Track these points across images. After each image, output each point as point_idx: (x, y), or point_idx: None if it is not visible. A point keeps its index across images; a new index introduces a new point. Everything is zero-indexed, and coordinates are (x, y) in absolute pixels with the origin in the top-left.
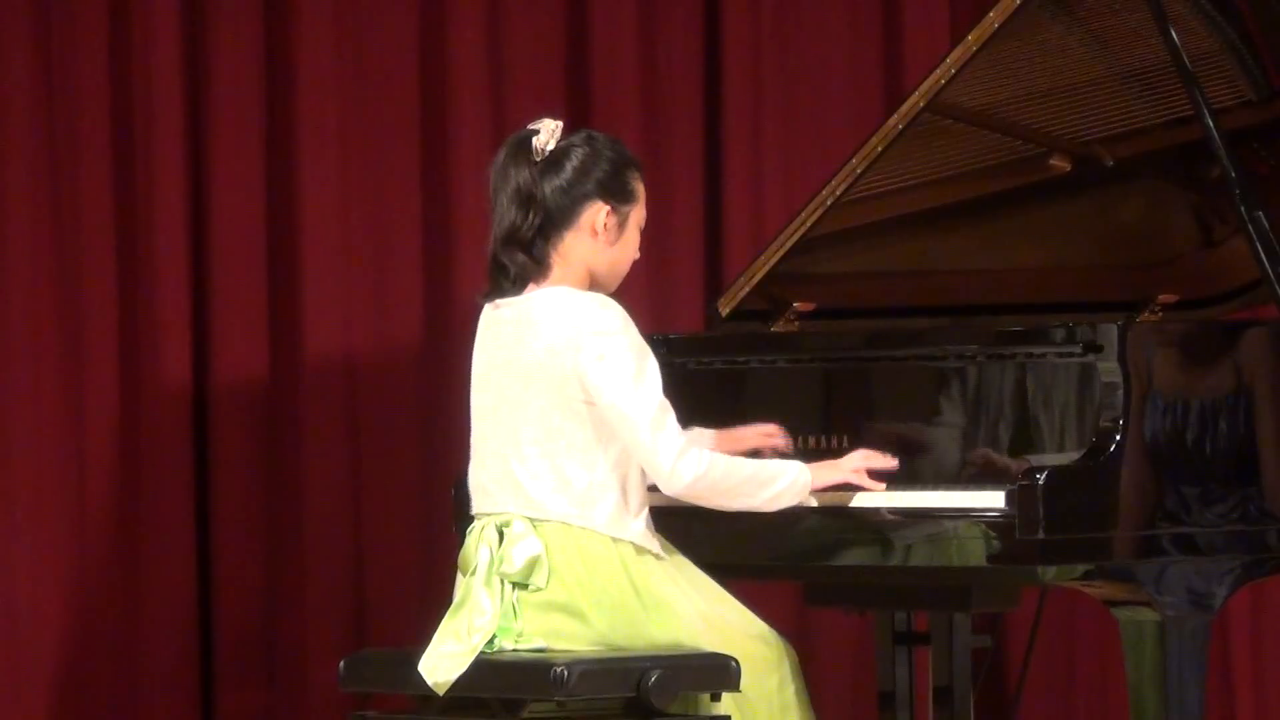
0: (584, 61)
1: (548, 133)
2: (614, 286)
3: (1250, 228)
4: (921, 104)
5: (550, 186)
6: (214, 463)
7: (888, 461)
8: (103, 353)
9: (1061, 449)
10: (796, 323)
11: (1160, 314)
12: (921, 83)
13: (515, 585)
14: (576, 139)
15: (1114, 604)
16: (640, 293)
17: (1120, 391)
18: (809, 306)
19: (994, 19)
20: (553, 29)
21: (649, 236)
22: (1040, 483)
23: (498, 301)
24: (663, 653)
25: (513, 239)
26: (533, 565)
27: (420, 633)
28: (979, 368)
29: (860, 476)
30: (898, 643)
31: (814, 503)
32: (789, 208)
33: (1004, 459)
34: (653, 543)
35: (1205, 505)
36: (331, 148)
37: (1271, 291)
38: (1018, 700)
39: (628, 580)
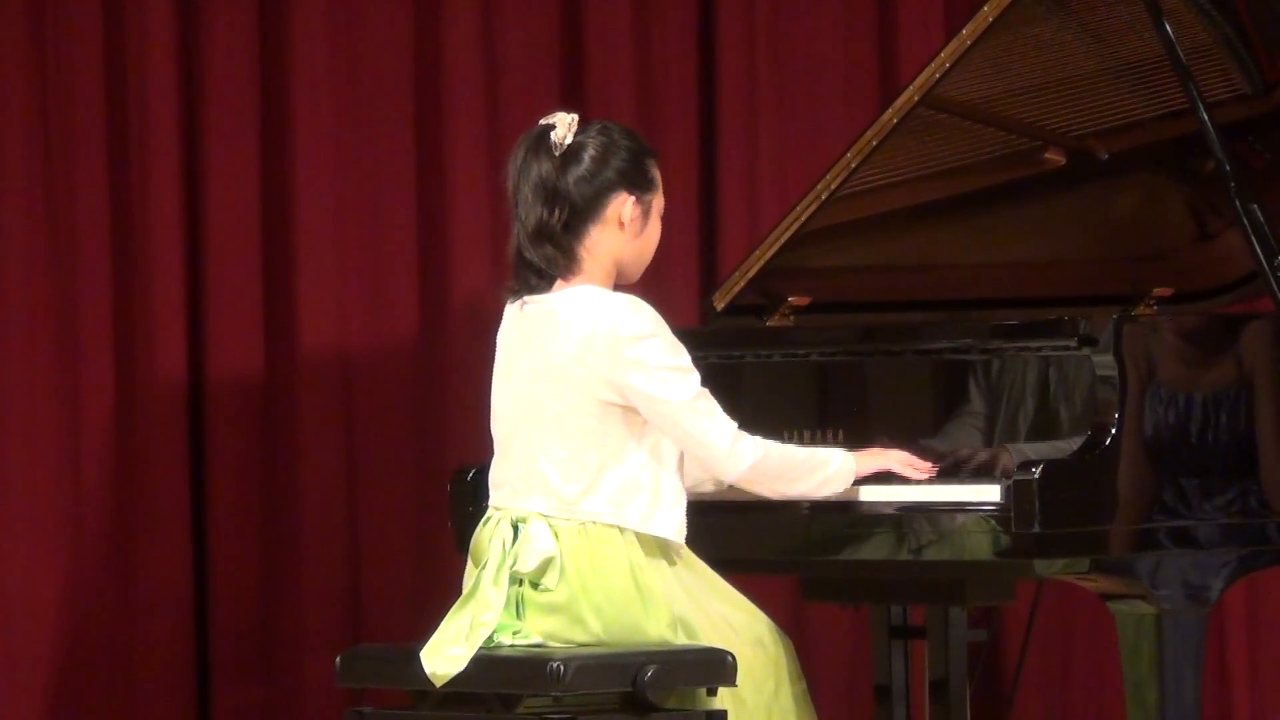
0: (579, 57)
1: (565, 126)
2: (638, 275)
3: (1245, 221)
4: (916, 98)
5: (573, 180)
6: (209, 458)
7: (929, 468)
8: (98, 349)
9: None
10: (791, 317)
11: (1156, 307)
12: (916, 77)
13: (523, 583)
14: (592, 131)
15: (1110, 597)
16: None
17: (1116, 385)
18: (804, 301)
19: (988, 13)
20: (547, 25)
21: None
22: (1036, 477)
23: (526, 299)
24: (659, 648)
25: (541, 234)
26: (546, 565)
27: (417, 628)
28: (974, 362)
29: (903, 467)
30: (893, 637)
31: (858, 492)
32: (784, 202)
33: (999, 453)
34: (681, 535)
35: (1201, 498)
36: (326, 144)
37: (1267, 284)
38: (1014, 694)
39: (633, 584)
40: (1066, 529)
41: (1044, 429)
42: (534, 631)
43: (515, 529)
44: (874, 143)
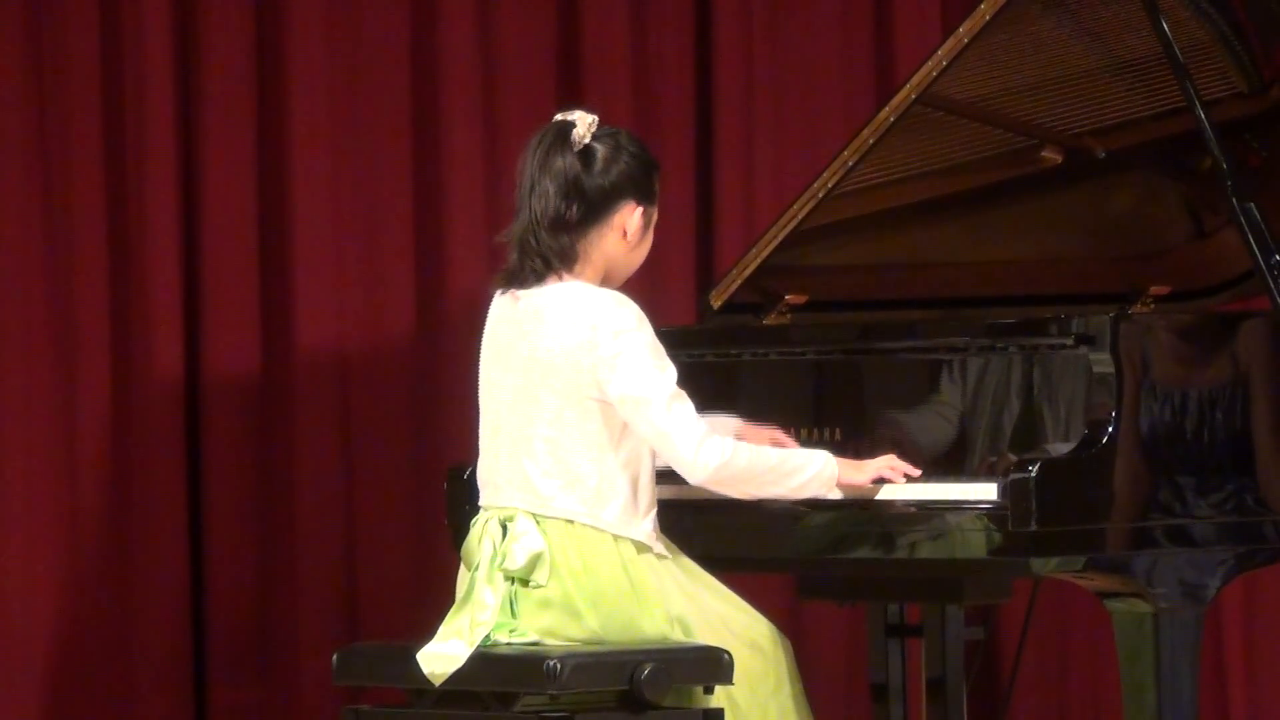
0: (575, 55)
1: (585, 126)
2: (619, 285)
3: (1242, 219)
4: (913, 96)
5: (591, 179)
6: (206, 457)
7: (913, 470)
8: (94, 347)
9: (1054, 441)
10: (788, 315)
11: (1153, 306)
12: (913, 75)
13: (515, 581)
14: (606, 135)
15: (1107, 595)
16: (632, 285)
17: (1113, 383)
18: (801, 299)
19: (985, 11)
20: (544, 22)
21: None
22: (1033, 475)
23: (515, 293)
24: (655, 646)
25: (558, 225)
26: (535, 562)
27: (413, 626)
28: (971, 360)
29: (885, 473)
30: (890, 635)
31: (837, 495)
32: (781, 200)
33: (996, 451)
34: (657, 543)
35: (1198, 496)
36: (323, 142)
37: (1264, 283)
38: (1010, 692)
39: (626, 579)
40: (1063, 527)
41: (1040, 427)
42: (530, 629)
43: (504, 528)
44: (871, 141)
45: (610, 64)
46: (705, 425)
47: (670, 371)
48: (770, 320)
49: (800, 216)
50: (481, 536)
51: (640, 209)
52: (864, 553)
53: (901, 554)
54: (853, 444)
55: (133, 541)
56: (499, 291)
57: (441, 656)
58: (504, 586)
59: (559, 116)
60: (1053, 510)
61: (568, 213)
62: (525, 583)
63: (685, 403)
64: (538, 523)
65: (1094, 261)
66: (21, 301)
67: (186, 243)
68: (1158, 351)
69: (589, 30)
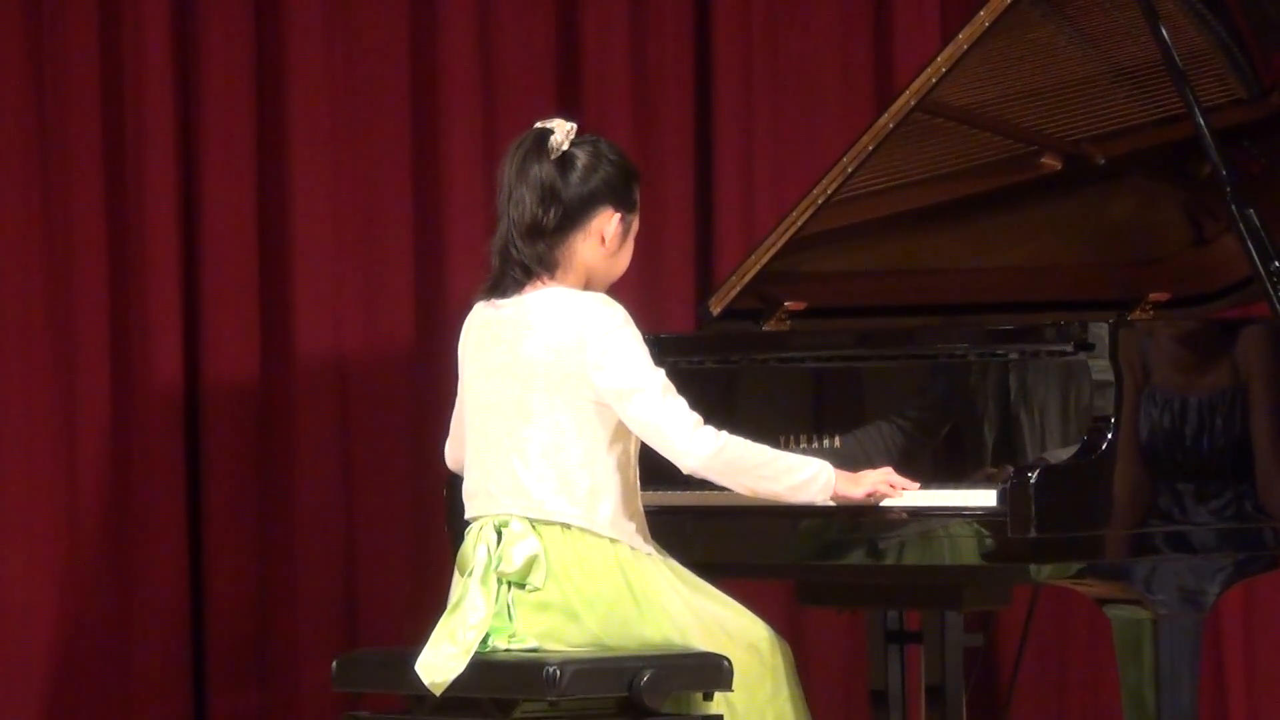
0: (575, 62)
1: (563, 133)
2: (602, 291)
3: (1241, 226)
4: (912, 103)
5: (568, 186)
6: (205, 463)
7: (909, 485)
8: (94, 353)
9: (1053, 448)
10: (788, 322)
11: (1152, 312)
12: (912, 81)
13: (512, 585)
14: (586, 143)
15: (1106, 602)
16: (631, 292)
17: (1112, 390)
18: (800, 305)
19: (984, 18)
20: (543, 29)
21: (640, 235)
22: (1032, 481)
23: (496, 301)
24: (655, 652)
25: (535, 232)
26: (531, 565)
27: (412, 632)
28: (970, 367)
29: (870, 499)
30: (889, 641)
31: (830, 504)
32: (780, 207)
33: (995, 457)
34: (647, 545)
35: (1197, 503)
36: (323, 148)
37: (1263, 289)
38: (1010, 699)
39: (623, 581)
40: (1063, 533)
41: (1040, 434)
42: (529, 634)
43: (499, 533)
44: (870, 147)
45: (610, 71)
46: (698, 415)
47: (659, 369)
48: (770, 327)
49: (799, 223)
50: (476, 543)
51: (619, 216)
52: (863, 559)
53: (901, 560)
54: (851, 450)
55: (132, 548)
56: (479, 301)
57: (438, 665)
58: (499, 591)
59: (538, 124)
60: (1052, 517)
61: (544, 219)
62: (522, 586)
63: (675, 395)
64: (533, 526)
65: (1093, 268)
66: (21, 308)
67: (186, 249)
68: (1157, 358)
69: (588, 38)
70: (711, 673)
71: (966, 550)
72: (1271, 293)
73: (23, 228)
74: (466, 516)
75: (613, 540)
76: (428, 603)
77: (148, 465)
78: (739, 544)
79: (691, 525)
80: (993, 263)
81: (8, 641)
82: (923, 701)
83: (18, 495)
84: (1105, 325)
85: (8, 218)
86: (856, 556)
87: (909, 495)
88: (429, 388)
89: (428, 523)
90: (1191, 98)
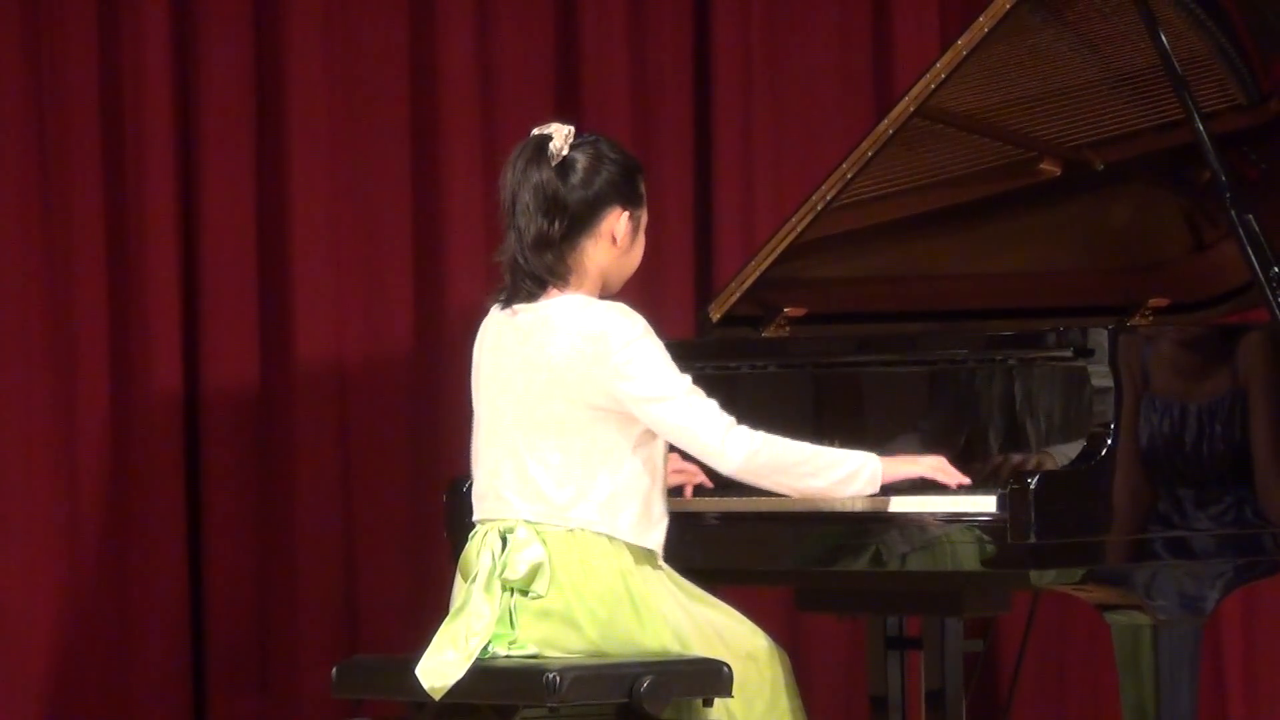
0: (574, 68)
1: (561, 137)
2: (620, 288)
3: (1241, 231)
4: (912, 109)
5: (571, 191)
6: (205, 470)
7: (962, 478)
8: (94, 358)
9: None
10: (787, 328)
11: (1151, 318)
12: (911, 87)
13: (514, 591)
14: (586, 144)
15: (1106, 608)
16: (631, 298)
17: (1112, 395)
18: (800, 312)
19: (984, 23)
20: (543, 36)
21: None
22: (1032, 487)
23: (515, 308)
24: (655, 658)
25: (541, 243)
26: (535, 572)
27: (412, 639)
28: (970, 373)
29: (937, 473)
30: (889, 647)
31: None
32: (780, 213)
33: (995, 463)
34: (660, 550)
35: (1197, 509)
36: (322, 155)
37: (1262, 295)
38: (1010, 705)
39: (624, 589)
40: (1062, 539)
41: (1040, 440)
42: (528, 640)
43: (504, 539)
44: (870, 153)
45: (609, 78)
46: (731, 417)
47: (685, 375)
48: (769, 333)
49: (799, 229)
50: (480, 549)
51: (627, 214)
52: (862, 565)
53: (900, 566)
54: None
55: (132, 553)
56: (494, 307)
57: (439, 670)
58: (502, 597)
59: (535, 131)
60: (1052, 522)
61: (550, 229)
62: (524, 593)
63: (703, 397)
64: (539, 533)
65: (1093, 274)
66: (21, 313)
67: (186, 255)
68: (1157, 364)
69: (588, 44)
70: (711, 679)
71: (966, 556)
72: (1271, 298)
73: (23, 234)
74: (474, 518)
75: (613, 543)
76: (427, 609)
77: (148, 471)
78: (738, 550)
79: (691, 532)
80: (992, 268)
81: (8, 646)
82: (923, 707)
83: (18, 500)
84: (1105, 331)
85: (8, 223)
86: (855, 562)
87: (909, 500)
88: (428, 394)
89: (427, 529)
90: (1191, 103)
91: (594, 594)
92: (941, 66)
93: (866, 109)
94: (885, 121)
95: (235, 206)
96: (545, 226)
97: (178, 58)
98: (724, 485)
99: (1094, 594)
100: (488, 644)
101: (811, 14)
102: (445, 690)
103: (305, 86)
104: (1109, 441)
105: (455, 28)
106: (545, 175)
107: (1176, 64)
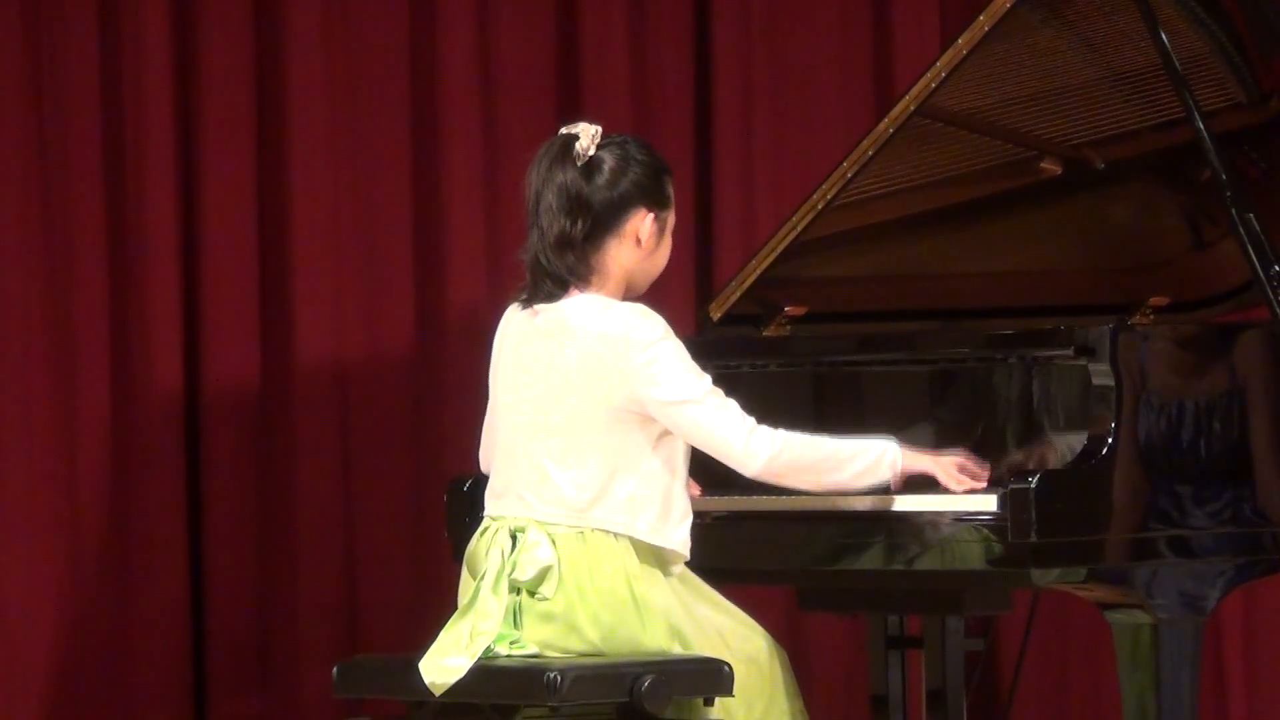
0: (574, 68)
1: (588, 137)
2: (645, 289)
3: (1241, 230)
4: (912, 108)
5: (596, 191)
6: (206, 469)
7: (982, 472)
8: (94, 359)
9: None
10: (788, 327)
11: (1152, 316)
12: (912, 86)
13: (521, 590)
14: (613, 144)
15: (1107, 607)
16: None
17: (1112, 394)
18: (800, 311)
19: (984, 22)
20: (543, 34)
21: None
22: (1032, 486)
23: (536, 307)
24: (655, 658)
25: (564, 243)
26: (544, 575)
27: (413, 638)
28: (971, 371)
29: (951, 475)
30: (890, 646)
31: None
32: (780, 212)
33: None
34: (686, 549)
35: (1198, 507)
36: (322, 153)
37: (1263, 293)
38: (1010, 703)
39: (629, 593)
40: (1063, 538)
41: (1040, 438)
42: (530, 641)
43: (513, 538)
44: (870, 152)
45: (609, 75)
46: (752, 419)
47: (705, 375)
48: (770, 332)
49: (800, 228)
50: (490, 546)
51: (651, 215)
52: (864, 564)
53: (901, 565)
54: None
55: (133, 553)
56: (515, 305)
57: (443, 667)
58: (509, 597)
59: (563, 130)
60: (1052, 521)
61: (573, 229)
62: (532, 594)
63: (724, 399)
64: (549, 535)
65: (1093, 272)
66: (21, 311)
67: (186, 256)
68: (1157, 362)
69: (588, 42)
70: (712, 678)
71: (967, 555)
72: (1271, 297)
73: (23, 232)
74: (486, 513)
75: (625, 550)
76: (428, 608)
77: (148, 471)
78: (741, 550)
79: (694, 531)
80: (993, 267)
81: (8, 646)
82: (924, 706)
83: (18, 500)
84: (1106, 329)
85: (8, 222)
86: (857, 561)
87: (911, 499)
88: (429, 393)
89: (428, 529)
90: (1191, 102)
91: (599, 599)
92: (942, 65)
93: (867, 108)
94: (885, 120)
95: (235, 206)
96: (568, 226)
97: (178, 58)
98: (719, 485)
99: (1095, 593)
100: (491, 643)
101: (812, 13)
102: (447, 687)
103: (305, 86)
104: (1110, 440)
105: (455, 27)
106: (570, 175)
107: (1177, 62)
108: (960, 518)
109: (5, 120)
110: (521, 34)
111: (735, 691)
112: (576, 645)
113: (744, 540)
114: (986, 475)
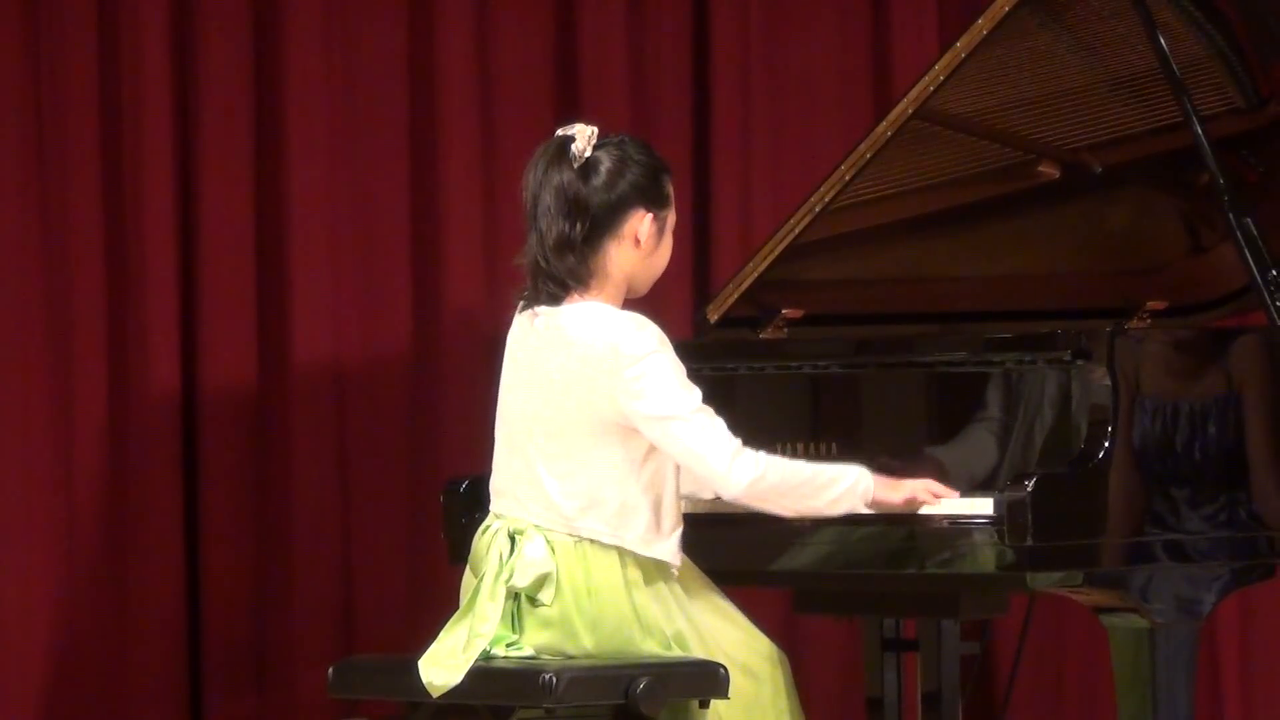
0: (573, 69)
1: (584, 139)
2: (647, 289)
3: (1239, 234)
4: (910, 110)
5: (593, 192)
6: (203, 469)
7: (949, 493)
8: (92, 358)
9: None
10: (785, 330)
11: (1149, 320)
12: (910, 89)
13: (520, 596)
14: (610, 145)
15: (1102, 611)
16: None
17: (1109, 398)
18: (797, 313)
19: (983, 25)
20: (541, 36)
21: None
22: (1029, 490)
23: (536, 310)
24: (651, 660)
25: (563, 246)
26: (542, 582)
27: (409, 639)
28: (968, 375)
29: (918, 500)
30: (886, 649)
31: (866, 511)
32: (778, 214)
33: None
34: (677, 559)
35: (1194, 511)
36: (320, 157)
37: (1260, 298)
38: (1006, 707)
39: (629, 604)
40: (1059, 542)
41: (1037, 441)
42: (528, 644)
43: (513, 540)
44: (868, 155)
45: (608, 77)
46: (737, 440)
47: (694, 391)
48: (767, 334)
49: (797, 231)
50: (490, 545)
51: (650, 216)
52: (860, 568)
53: (898, 569)
54: (849, 459)
55: (129, 553)
56: (520, 310)
57: (440, 668)
58: (506, 601)
59: (559, 131)
60: (1049, 525)
61: (572, 232)
62: (530, 600)
63: (712, 419)
64: (548, 541)
65: (1091, 276)
66: (19, 313)
67: (184, 257)
68: (1154, 366)
69: (586, 43)
70: (708, 680)
71: (964, 558)
72: (1269, 301)
73: (21, 234)
74: (491, 508)
75: (622, 556)
76: (424, 609)
77: (145, 471)
78: (737, 553)
79: (687, 535)
80: (990, 271)
81: (5, 647)
82: (919, 709)
83: (15, 500)
84: (1103, 333)
85: (6, 224)
86: (853, 565)
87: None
88: (426, 394)
89: (424, 530)
90: (1189, 107)
91: (596, 607)
92: (940, 68)
93: (865, 111)
94: (884, 123)
95: (234, 207)
96: (566, 228)
97: (177, 57)
98: None
99: (1091, 596)
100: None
101: (810, 16)
102: (445, 689)
103: (304, 87)
104: (1106, 444)
105: (454, 28)
106: (566, 177)
107: (1175, 67)
108: (957, 521)
109: (4, 121)
110: (520, 34)
111: (734, 699)
112: (575, 650)
113: (740, 543)
114: (956, 495)
